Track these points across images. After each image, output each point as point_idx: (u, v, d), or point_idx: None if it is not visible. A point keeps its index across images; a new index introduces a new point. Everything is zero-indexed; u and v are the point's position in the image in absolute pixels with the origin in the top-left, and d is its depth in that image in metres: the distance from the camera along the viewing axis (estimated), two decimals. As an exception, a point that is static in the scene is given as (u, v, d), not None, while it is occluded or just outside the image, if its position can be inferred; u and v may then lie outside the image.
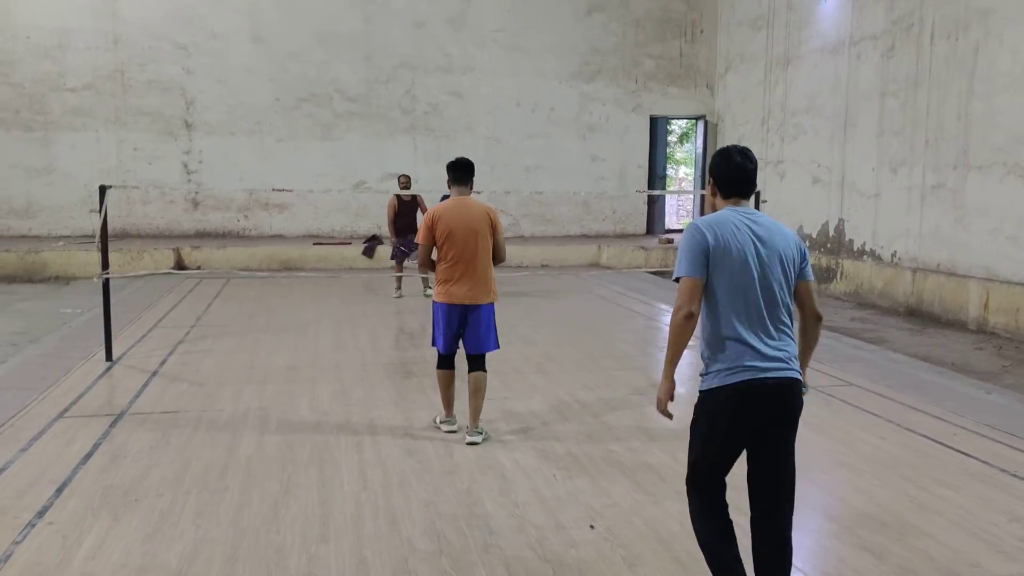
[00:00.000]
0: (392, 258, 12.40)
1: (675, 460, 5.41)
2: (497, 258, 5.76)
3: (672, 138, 26.35)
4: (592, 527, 4.39)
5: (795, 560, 4.08)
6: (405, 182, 12.39)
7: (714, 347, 3.23)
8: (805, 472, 5.32)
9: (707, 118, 19.10)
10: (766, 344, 3.17)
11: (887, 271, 12.79)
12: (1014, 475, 5.22)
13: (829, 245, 14.46)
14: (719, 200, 3.39)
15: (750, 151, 3.46)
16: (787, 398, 3.28)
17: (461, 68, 17.82)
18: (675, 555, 4.09)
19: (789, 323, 3.26)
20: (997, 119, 10.77)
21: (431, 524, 4.41)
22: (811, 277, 3.37)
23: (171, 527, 4.34)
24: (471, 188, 5.82)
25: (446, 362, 5.85)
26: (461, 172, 5.74)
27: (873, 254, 13.29)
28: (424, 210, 12.64)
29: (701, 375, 3.34)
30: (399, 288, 12.43)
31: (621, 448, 5.67)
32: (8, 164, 16.12)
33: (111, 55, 16.40)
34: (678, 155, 29.65)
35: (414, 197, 12.23)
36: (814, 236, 14.93)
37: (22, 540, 4.16)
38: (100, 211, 7.98)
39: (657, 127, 19.08)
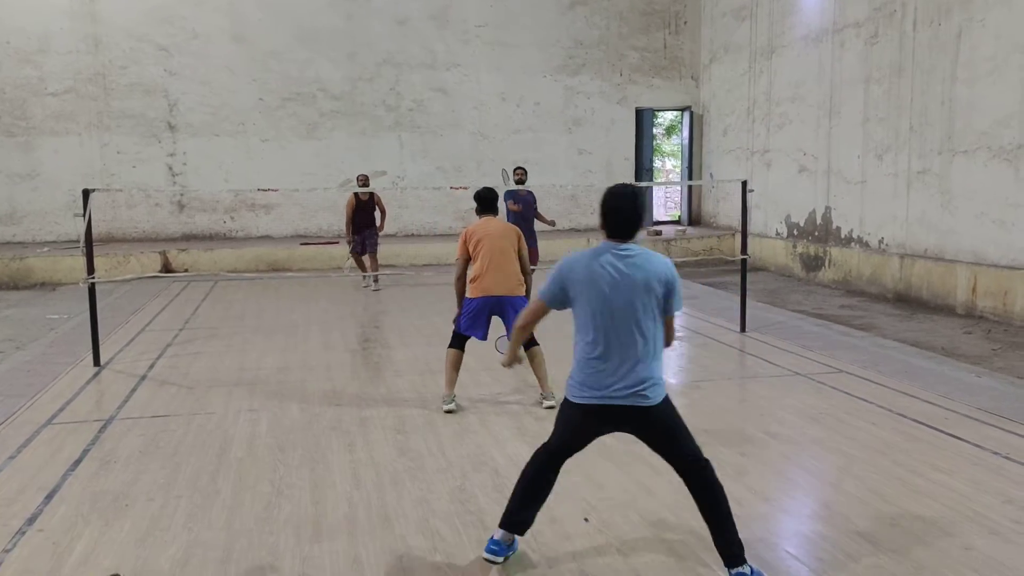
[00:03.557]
0: (352, 253, 12.84)
1: (668, 451, 5.41)
2: (523, 269, 6.53)
3: (659, 130, 26.34)
4: (586, 520, 4.38)
5: (789, 547, 4.10)
6: (364, 180, 12.91)
7: (575, 366, 3.67)
8: (797, 459, 5.34)
9: (693, 109, 19.11)
10: (617, 370, 3.53)
11: (875, 258, 12.82)
12: (1006, 457, 5.23)
13: (817, 233, 14.50)
14: (604, 234, 3.64)
15: (638, 195, 3.69)
16: (632, 420, 3.63)
17: (445, 64, 17.76)
18: (670, 546, 4.08)
19: (642, 352, 3.54)
20: (981, 104, 10.80)
21: (425, 522, 4.39)
22: (673, 311, 3.65)
23: (163, 531, 4.31)
24: (496, 213, 6.68)
25: (459, 341, 6.43)
26: (487, 202, 6.68)
27: (861, 241, 13.33)
28: (382, 209, 12.74)
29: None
30: (370, 281, 12.86)
31: (614, 441, 5.63)
32: (-9, 170, 15.99)
33: (92, 58, 16.27)
34: (665, 147, 29.66)
35: (371, 195, 12.69)
36: (802, 224, 14.97)
37: (12, 548, 4.12)
38: (84, 215, 7.92)
39: (643, 119, 19.08)
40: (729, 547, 3.61)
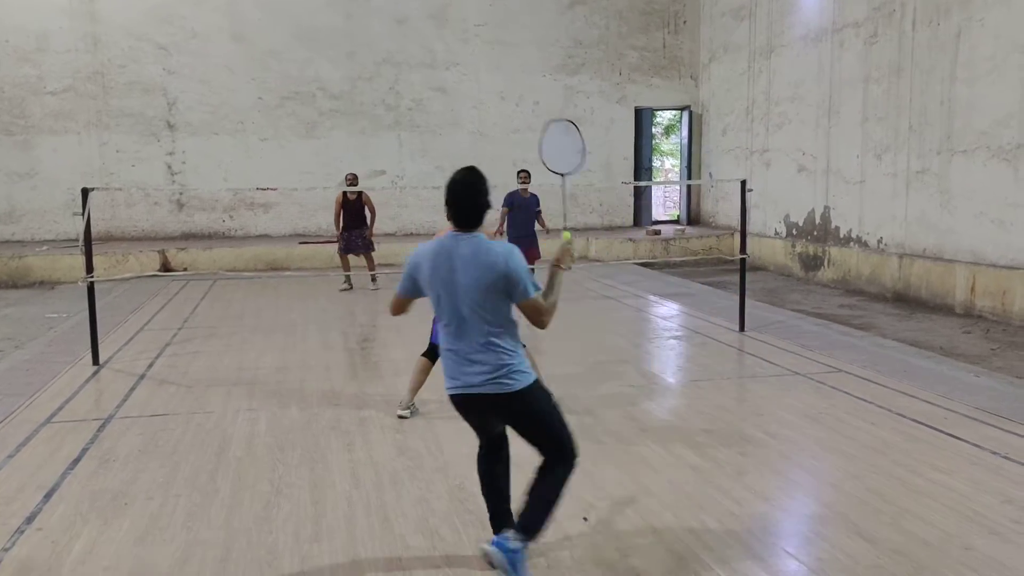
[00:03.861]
0: (339, 252, 12.80)
1: (668, 451, 5.41)
2: None
3: (657, 130, 26.34)
4: (585, 519, 4.38)
5: (788, 547, 4.10)
6: (352, 179, 12.84)
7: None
8: (796, 458, 5.34)
9: (692, 109, 19.12)
10: (468, 358, 3.55)
11: (874, 257, 12.83)
12: (1006, 457, 5.23)
13: (816, 233, 14.50)
14: (450, 223, 3.62)
15: (476, 184, 3.65)
16: (495, 407, 3.61)
17: (444, 63, 17.76)
18: (668, 545, 4.08)
19: (491, 340, 3.53)
20: (980, 103, 10.81)
21: (424, 521, 4.39)
22: (527, 296, 3.53)
23: (162, 530, 4.30)
24: None
25: (431, 353, 6.20)
26: None
27: (860, 241, 13.33)
28: (372, 209, 12.66)
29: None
30: (347, 282, 12.79)
31: (612, 440, 5.67)
32: (-11, 169, 15.98)
33: (91, 57, 16.26)
34: (664, 147, 29.65)
35: (360, 195, 12.65)
36: (801, 224, 14.97)
37: (11, 547, 4.12)
38: (83, 214, 7.91)
39: (642, 119, 19.08)
40: (523, 519, 3.62)
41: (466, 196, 3.60)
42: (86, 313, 8.16)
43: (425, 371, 6.28)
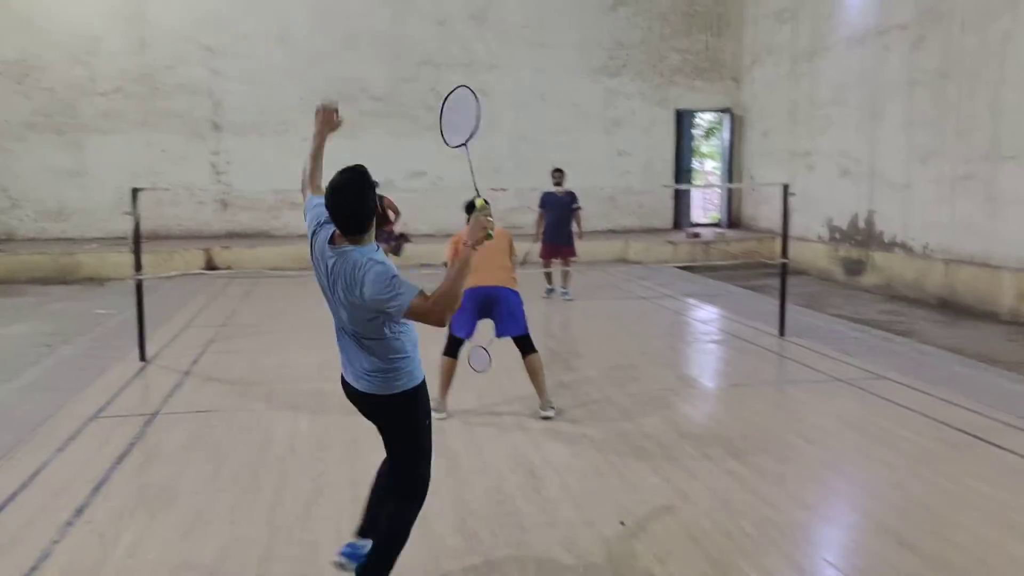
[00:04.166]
0: None
1: (706, 457, 5.40)
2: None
3: (697, 132, 26.17)
4: (623, 524, 4.39)
5: (828, 556, 4.08)
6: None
7: None
8: (837, 466, 5.30)
9: (733, 111, 18.97)
10: (347, 354, 3.56)
11: (918, 262, 12.63)
12: (1051, 469, 5.15)
13: (859, 237, 14.31)
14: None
15: (348, 190, 3.40)
16: (369, 407, 3.58)
17: (485, 65, 17.82)
18: (706, 552, 4.08)
19: (361, 344, 3.47)
20: (1030, 107, 10.60)
21: (462, 522, 4.43)
22: (404, 308, 3.22)
23: (206, 525, 4.40)
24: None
25: (453, 349, 6.24)
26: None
27: (904, 246, 13.14)
28: (395, 210, 12.68)
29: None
30: None
31: (650, 444, 5.67)
32: (41, 167, 16.35)
33: (140, 59, 16.57)
34: (704, 149, 29.45)
35: (381, 198, 12.47)
36: (843, 228, 14.79)
37: (61, 539, 4.24)
38: (133, 213, 8.09)
39: (683, 121, 18.98)
40: (367, 556, 3.59)
41: (342, 205, 3.35)
42: (133, 310, 8.33)
43: (450, 370, 6.26)
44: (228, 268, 14.96)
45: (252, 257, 15.16)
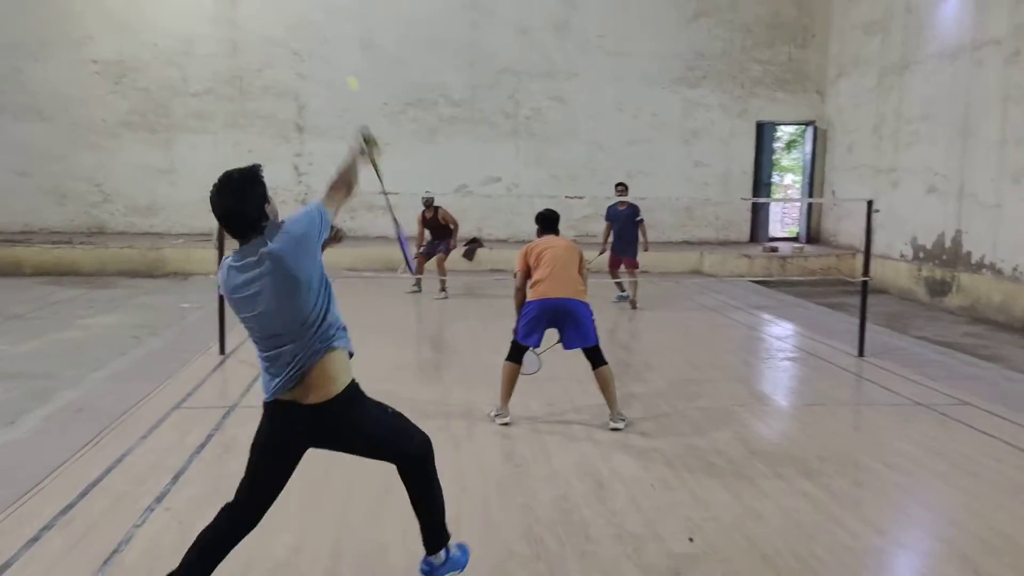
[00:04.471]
0: (417, 254, 12.96)
1: (779, 476, 5.30)
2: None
3: (778, 144, 25.73)
4: (691, 540, 4.33)
5: (903, 585, 3.95)
6: (427, 200, 13.13)
7: None
8: (915, 492, 5.15)
9: (816, 124, 18.59)
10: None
11: (1007, 285, 12.17)
12: None
13: (944, 257, 13.86)
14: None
15: (226, 190, 3.26)
16: (328, 420, 3.66)
17: (564, 73, 17.84)
18: (778, 572, 4.00)
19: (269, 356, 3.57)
20: None
21: (529, 529, 4.44)
22: (322, 216, 3.48)
23: (278, 518, 4.48)
24: (558, 233, 6.68)
25: (516, 355, 6.28)
26: (550, 222, 6.68)
27: (992, 267, 12.68)
28: (453, 223, 12.99)
29: None
30: (418, 280, 13.04)
31: (721, 460, 5.59)
32: (134, 164, 16.99)
33: (230, 61, 17.09)
34: (784, 162, 28.93)
35: (436, 211, 13.02)
36: (928, 247, 14.35)
37: (142, 524, 4.39)
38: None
39: (764, 133, 18.68)
40: None
41: (224, 206, 3.25)
42: (215, 305, 8.59)
43: (513, 375, 6.30)
44: (306, 267, 15.25)
45: (329, 257, 15.36)
